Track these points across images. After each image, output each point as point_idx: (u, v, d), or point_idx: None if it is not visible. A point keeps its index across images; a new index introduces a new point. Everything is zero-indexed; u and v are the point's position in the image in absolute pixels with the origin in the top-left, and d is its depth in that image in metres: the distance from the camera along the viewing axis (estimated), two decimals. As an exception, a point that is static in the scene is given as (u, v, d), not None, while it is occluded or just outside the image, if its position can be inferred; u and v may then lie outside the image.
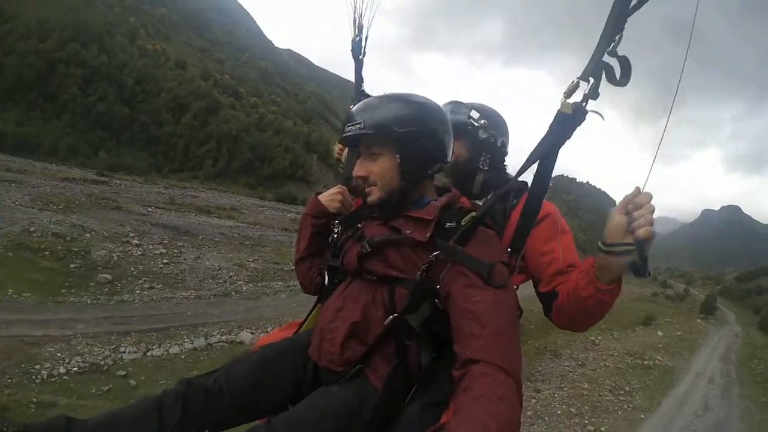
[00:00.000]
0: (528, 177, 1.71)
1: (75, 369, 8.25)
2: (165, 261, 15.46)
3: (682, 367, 18.81)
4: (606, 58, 1.43)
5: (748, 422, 13.48)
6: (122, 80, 66.14)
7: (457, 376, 1.35)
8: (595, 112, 1.53)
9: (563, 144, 1.52)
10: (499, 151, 2.29)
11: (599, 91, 1.45)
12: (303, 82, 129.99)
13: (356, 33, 2.50)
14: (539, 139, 1.54)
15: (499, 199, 1.76)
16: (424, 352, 1.52)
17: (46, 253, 13.30)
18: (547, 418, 11.47)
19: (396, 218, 1.72)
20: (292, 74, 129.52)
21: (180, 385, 1.70)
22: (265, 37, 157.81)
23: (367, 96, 2.46)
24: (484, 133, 2.22)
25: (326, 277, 1.96)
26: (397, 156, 1.68)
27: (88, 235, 15.60)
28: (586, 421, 11.77)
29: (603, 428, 11.56)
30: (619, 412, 12.77)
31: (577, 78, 1.45)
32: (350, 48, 2.54)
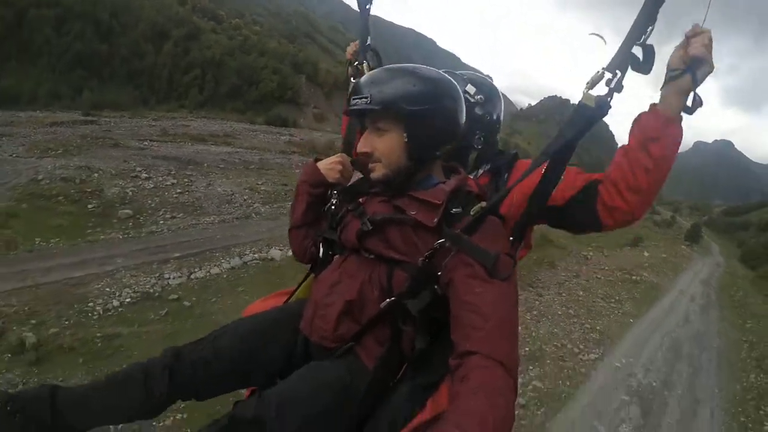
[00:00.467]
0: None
1: (128, 300, 8.58)
2: (178, 191, 15.68)
3: (666, 286, 20.53)
4: (635, 49, 1.43)
5: (724, 339, 14.92)
6: (97, 15, 62.24)
7: (453, 365, 1.33)
8: (597, 34, 1.57)
9: (581, 138, 1.49)
10: (493, 127, 2.25)
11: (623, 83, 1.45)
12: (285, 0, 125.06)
13: None
14: (557, 132, 1.51)
15: (493, 175, 1.71)
16: (419, 338, 1.50)
17: (60, 198, 13.34)
18: (550, 317, 13.31)
19: (401, 197, 1.68)
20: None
21: (167, 354, 1.69)
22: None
23: (374, 51, 2.42)
24: (480, 110, 2.18)
25: (321, 249, 1.91)
26: (405, 135, 1.62)
27: (96, 174, 15.65)
28: (583, 321, 13.47)
29: (598, 327, 13.22)
30: (611, 316, 14.50)
31: (602, 68, 1.43)
32: None
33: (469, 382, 1.25)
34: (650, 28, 1.40)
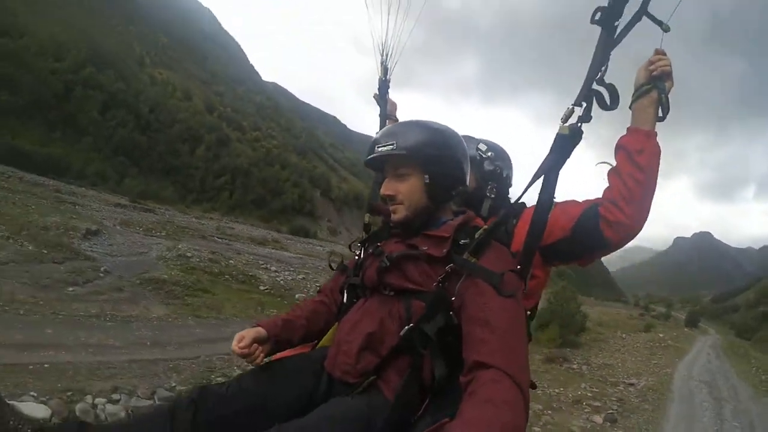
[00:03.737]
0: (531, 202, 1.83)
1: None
2: (317, 284, 17.05)
3: (687, 348, 27.68)
4: (595, 86, 1.63)
5: (737, 368, 22.44)
6: (138, 108, 68.63)
7: (463, 382, 1.38)
8: (605, 162, 1.87)
9: (564, 163, 1.64)
10: (504, 182, 2.39)
11: (592, 114, 1.63)
12: (290, 116, 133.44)
13: (382, 74, 2.63)
14: (541, 161, 1.67)
15: (505, 217, 1.75)
16: (437, 363, 1.55)
17: (227, 276, 15.45)
18: (631, 358, 21.31)
19: (415, 237, 1.78)
20: (281, 108, 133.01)
21: (194, 391, 1.73)
22: (254, 69, 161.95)
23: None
24: (491, 165, 2.34)
25: (345, 295, 1.99)
26: (426, 177, 1.75)
27: (231, 261, 17.92)
28: (650, 359, 21.59)
29: (661, 362, 20.80)
30: (663, 359, 22.11)
31: (572, 104, 1.62)
32: (377, 87, 2.71)
33: (477, 396, 1.28)
34: (604, 68, 1.62)
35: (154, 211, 35.61)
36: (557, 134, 1.64)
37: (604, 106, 1.65)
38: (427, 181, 1.76)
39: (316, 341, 2.14)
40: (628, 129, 1.82)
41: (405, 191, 1.78)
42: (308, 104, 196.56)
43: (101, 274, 13.49)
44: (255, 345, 1.81)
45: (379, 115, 2.77)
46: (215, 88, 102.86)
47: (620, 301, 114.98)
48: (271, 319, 1.94)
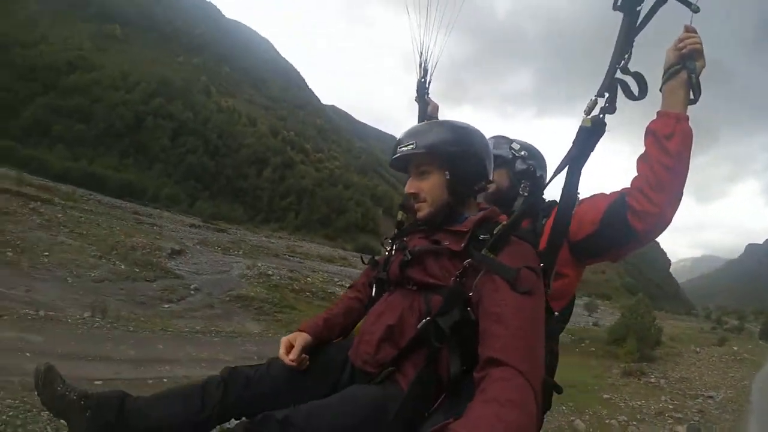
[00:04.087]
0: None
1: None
2: None
3: (762, 362, 26.11)
4: (620, 75, 1.54)
5: None
6: (206, 135, 72.01)
7: (476, 379, 1.35)
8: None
9: (587, 157, 1.57)
10: (538, 181, 2.35)
11: (616, 105, 1.53)
12: (349, 136, 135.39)
13: (421, 75, 2.64)
14: (564, 154, 1.61)
15: (526, 212, 1.71)
16: (453, 359, 1.53)
17: (308, 293, 15.61)
18: (710, 371, 19.98)
19: (438, 232, 1.78)
20: (340, 129, 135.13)
21: (224, 372, 1.80)
22: (313, 93, 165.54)
23: None
24: (523, 163, 2.34)
25: (374, 289, 2.02)
26: (447, 173, 1.76)
27: (309, 278, 18.05)
28: (728, 371, 20.48)
29: (738, 375, 19.81)
30: (743, 370, 21.09)
31: (594, 96, 1.54)
32: (416, 88, 2.70)
33: (485, 395, 1.25)
34: (627, 54, 1.53)
35: (226, 231, 36.57)
36: (579, 127, 1.54)
37: (631, 96, 1.54)
38: (448, 177, 1.77)
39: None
40: (657, 113, 1.72)
41: (427, 188, 1.80)
42: (365, 124, 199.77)
43: (192, 292, 13.89)
44: (304, 356, 1.85)
45: (418, 117, 2.70)
46: (278, 112, 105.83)
47: (691, 314, 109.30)
48: (313, 320, 1.98)
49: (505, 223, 1.59)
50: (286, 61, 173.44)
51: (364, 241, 55.91)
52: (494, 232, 1.58)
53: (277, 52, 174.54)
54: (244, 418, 1.63)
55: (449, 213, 1.80)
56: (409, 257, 1.74)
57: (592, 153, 1.56)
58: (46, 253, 13.36)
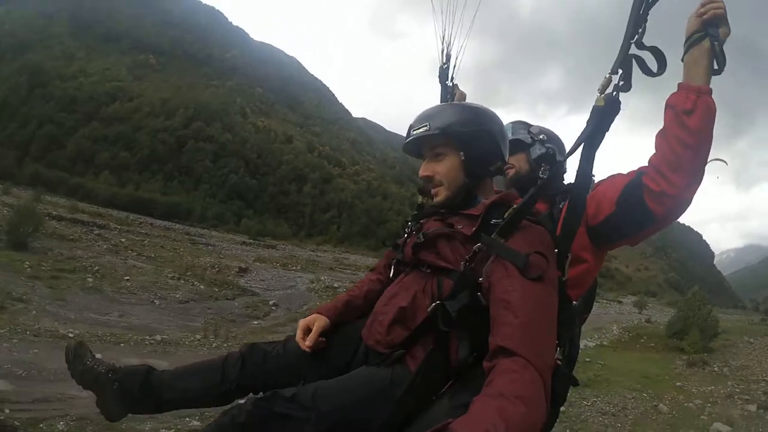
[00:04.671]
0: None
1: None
2: None
3: None
4: (636, 51, 1.48)
5: None
6: (246, 155, 73.81)
7: (486, 368, 1.34)
8: (720, 159, 1.61)
9: (602, 137, 1.54)
10: (557, 163, 2.30)
11: (632, 83, 1.49)
12: (383, 147, 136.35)
13: (444, 61, 2.60)
14: (579, 134, 1.59)
15: (538, 193, 1.63)
16: (462, 344, 1.53)
17: None
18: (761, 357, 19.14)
19: (453, 215, 1.74)
20: (373, 141, 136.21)
21: (244, 347, 1.87)
22: (344, 107, 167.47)
23: None
24: (542, 147, 2.31)
25: (392, 271, 1.99)
26: (462, 153, 1.72)
27: None
28: None
29: None
30: None
31: (608, 73, 1.50)
32: (438, 74, 2.66)
33: (492, 387, 1.23)
34: (641, 29, 1.47)
35: (275, 247, 37.40)
36: (593, 106, 1.51)
37: (648, 72, 1.48)
38: (463, 158, 1.73)
39: None
40: (678, 85, 1.57)
41: (442, 171, 1.76)
42: (397, 134, 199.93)
43: (273, 308, 14.52)
44: (321, 339, 1.85)
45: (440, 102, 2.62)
46: (312, 129, 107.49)
47: (738, 308, 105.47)
48: (332, 303, 1.97)
49: (515, 206, 1.57)
50: (316, 78, 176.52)
51: (405, 250, 56.52)
52: (506, 216, 1.55)
53: (306, 70, 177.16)
54: (260, 393, 1.71)
55: (466, 196, 1.78)
56: (422, 240, 1.73)
57: (606, 132, 1.55)
58: (126, 278, 14.07)
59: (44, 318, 8.96)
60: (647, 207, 1.64)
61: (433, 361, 1.54)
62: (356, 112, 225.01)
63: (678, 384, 13.57)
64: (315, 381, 1.69)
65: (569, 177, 2.17)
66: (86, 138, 67.62)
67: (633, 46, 1.47)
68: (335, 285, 17.51)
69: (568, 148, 1.82)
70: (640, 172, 1.67)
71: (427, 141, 1.79)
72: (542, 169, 2.25)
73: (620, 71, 1.48)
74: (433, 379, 1.55)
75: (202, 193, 62.81)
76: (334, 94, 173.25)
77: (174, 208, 52.82)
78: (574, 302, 1.78)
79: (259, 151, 74.25)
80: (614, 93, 1.49)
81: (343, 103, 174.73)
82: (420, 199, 2.10)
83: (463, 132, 1.71)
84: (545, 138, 2.32)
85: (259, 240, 40.93)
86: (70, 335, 7.98)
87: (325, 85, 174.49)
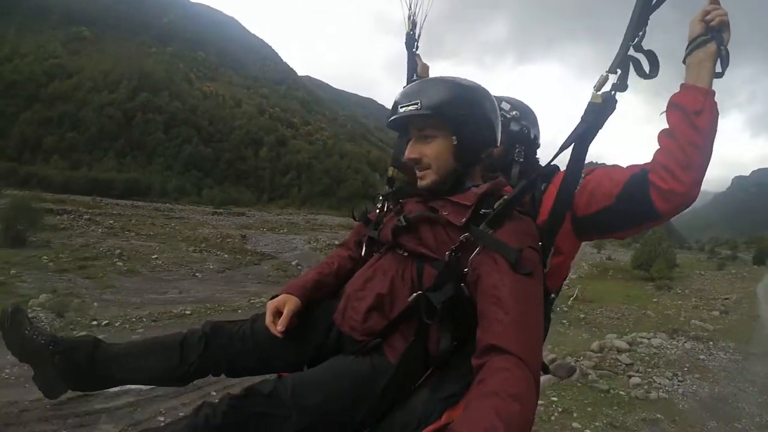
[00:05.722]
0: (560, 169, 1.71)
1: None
2: None
3: (760, 277, 31.61)
4: (632, 52, 1.46)
5: None
6: (198, 123, 72.77)
7: (475, 365, 1.26)
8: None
9: (595, 133, 1.48)
10: (532, 143, 2.16)
11: (627, 83, 1.45)
12: (331, 105, 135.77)
13: (410, 27, 2.36)
14: (572, 130, 1.51)
15: (529, 186, 1.54)
16: (443, 335, 1.43)
17: None
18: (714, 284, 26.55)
19: (437, 199, 1.59)
20: (321, 100, 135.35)
21: (206, 326, 1.71)
22: (289, 66, 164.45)
23: None
24: (516, 125, 2.12)
25: (364, 248, 1.84)
26: (454, 138, 1.56)
27: None
28: (740, 284, 26.79)
29: (736, 285, 26.07)
30: (748, 286, 25.66)
31: (606, 72, 1.46)
32: (404, 41, 2.40)
33: (485, 386, 1.17)
34: (641, 32, 1.45)
35: (245, 214, 38.32)
36: (589, 103, 1.49)
37: (642, 74, 1.49)
38: (455, 143, 1.59)
39: None
40: (682, 86, 1.57)
41: (431, 154, 1.60)
42: (344, 91, 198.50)
43: (298, 267, 15.52)
44: (294, 319, 1.70)
45: (407, 72, 2.44)
46: (259, 91, 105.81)
47: (684, 248, 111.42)
48: (301, 282, 1.78)
49: (507, 197, 1.49)
50: (257, 37, 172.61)
51: (368, 207, 57.94)
52: (495, 206, 1.47)
53: (247, 30, 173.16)
54: (228, 392, 1.49)
55: (456, 180, 1.64)
56: (404, 223, 1.59)
57: (600, 130, 1.50)
58: (154, 256, 14.92)
59: (110, 307, 9.49)
60: (653, 204, 1.62)
61: (414, 352, 1.48)
62: (300, 71, 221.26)
63: (654, 300, 18.36)
64: (283, 365, 1.69)
65: (544, 155, 2.16)
66: (29, 123, 65.31)
67: (631, 47, 1.47)
68: (336, 242, 18.60)
69: (542, 122, 2.08)
70: (645, 169, 1.62)
71: (416, 120, 1.62)
72: (517, 150, 2.12)
73: (618, 71, 1.48)
74: (413, 369, 1.50)
75: (158, 166, 62.02)
76: (277, 54, 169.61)
77: (133, 185, 52.46)
78: (553, 295, 1.83)
79: (210, 118, 73.25)
80: (612, 92, 1.46)
81: (287, 62, 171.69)
82: (391, 171, 2.01)
83: (458, 115, 1.57)
84: (518, 114, 2.14)
85: (227, 208, 41.49)
86: (151, 317, 8.77)
87: (267, 45, 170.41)
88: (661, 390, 6.73)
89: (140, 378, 1.68)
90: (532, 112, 2.22)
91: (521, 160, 2.08)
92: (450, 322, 1.42)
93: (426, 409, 1.37)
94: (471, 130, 1.57)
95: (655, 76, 1.47)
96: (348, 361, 1.54)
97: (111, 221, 20.99)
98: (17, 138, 62.93)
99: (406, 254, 1.56)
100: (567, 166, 1.53)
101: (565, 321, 13.10)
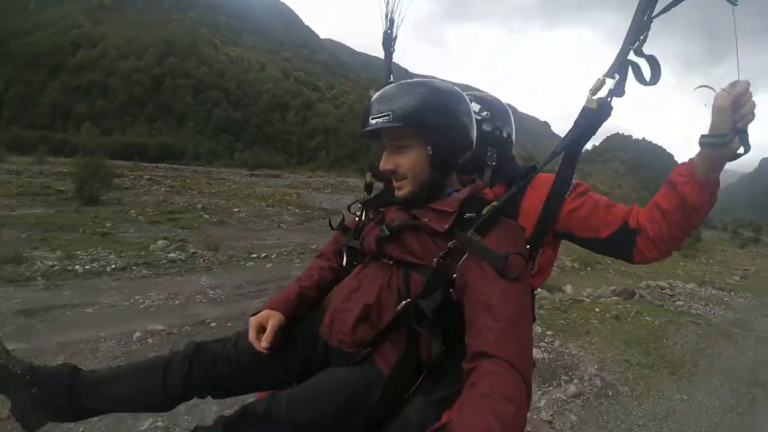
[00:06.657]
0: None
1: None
2: None
3: None
4: (632, 56, 1.37)
5: None
6: (226, 87, 73.90)
7: (466, 369, 1.25)
8: (708, 86, 1.42)
9: (588, 139, 1.43)
10: (505, 143, 2.08)
11: (625, 89, 1.37)
12: (354, 68, 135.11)
13: (388, 26, 2.19)
14: (565, 134, 1.47)
15: (519, 192, 1.52)
16: (434, 341, 1.42)
17: None
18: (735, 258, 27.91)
19: (417, 207, 1.57)
20: (345, 63, 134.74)
21: (189, 347, 1.65)
22: (311, 30, 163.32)
23: None
24: (488, 126, 2.02)
25: (345, 258, 1.81)
26: (429, 147, 1.52)
27: None
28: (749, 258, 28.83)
29: (756, 260, 27.38)
30: (761, 261, 27.85)
31: (603, 75, 1.39)
32: (381, 40, 2.23)
33: (478, 389, 1.17)
34: (642, 36, 1.36)
35: (280, 176, 39.19)
36: (583, 107, 1.43)
37: (642, 80, 1.41)
38: (431, 152, 1.55)
39: None
40: (689, 173, 1.50)
41: (407, 165, 1.55)
42: (366, 54, 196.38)
43: None
44: (278, 335, 1.66)
45: (384, 71, 2.31)
46: (283, 54, 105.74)
47: (707, 227, 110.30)
48: (284, 296, 1.75)
49: (495, 203, 1.45)
50: (278, 0, 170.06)
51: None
52: (483, 212, 1.43)
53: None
54: (222, 415, 1.46)
55: (433, 189, 1.60)
56: (387, 233, 1.55)
57: (593, 136, 1.45)
58: (236, 209, 15.79)
59: (239, 246, 10.17)
60: (632, 257, 1.71)
61: (406, 360, 1.46)
62: (323, 34, 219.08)
63: (681, 264, 19.92)
64: (271, 383, 1.66)
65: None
66: (58, 92, 66.80)
67: (631, 52, 1.40)
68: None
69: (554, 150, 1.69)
70: (635, 229, 1.67)
71: (387, 132, 1.56)
72: (489, 153, 2.05)
73: (617, 76, 1.40)
74: (406, 377, 1.48)
75: (188, 130, 63.36)
76: (298, 16, 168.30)
77: (167, 149, 53.52)
78: (536, 291, 1.85)
79: (237, 82, 74.09)
80: (609, 98, 1.40)
81: (309, 26, 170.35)
82: (368, 177, 1.97)
83: (431, 123, 1.52)
84: (489, 116, 2.06)
85: (262, 171, 42.32)
86: (298, 251, 9.81)
87: (288, 7, 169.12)
88: (699, 311, 9.02)
89: (122, 406, 1.64)
90: (505, 110, 2.13)
91: (494, 164, 2.03)
92: (440, 327, 1.43)
93: (422, 416, 1.39)
94: (446, 137, 1.54)
95: (656, 83, 1.40)
96: (339, 373, 1.53)
97: (169, 181, 21.94)
98: (48, 107, 64.52)
99: (391, 262, 1.56)
100: (558, 171, 1.55)
101: (612, 271, 14.59)
